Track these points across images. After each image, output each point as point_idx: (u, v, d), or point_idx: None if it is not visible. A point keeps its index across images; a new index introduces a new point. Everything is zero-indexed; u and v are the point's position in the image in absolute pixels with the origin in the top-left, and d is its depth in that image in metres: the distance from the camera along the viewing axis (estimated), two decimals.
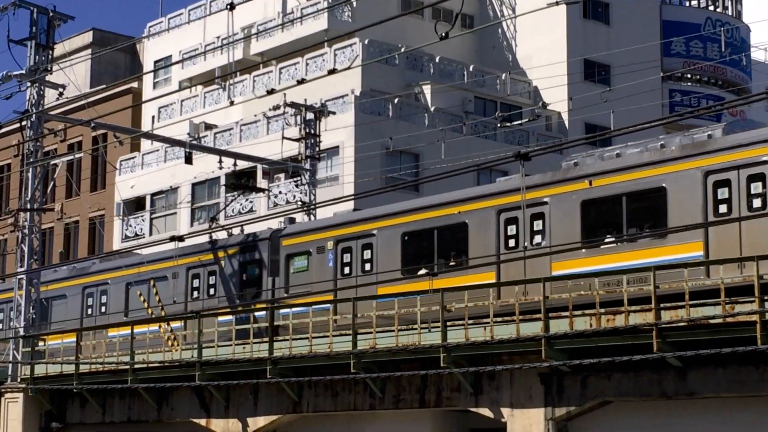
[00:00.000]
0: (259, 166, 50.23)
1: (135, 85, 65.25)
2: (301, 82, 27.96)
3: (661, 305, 24.82)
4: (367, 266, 33.42)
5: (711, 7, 64.93)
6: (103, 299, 42.00)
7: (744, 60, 63.54)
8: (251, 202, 53.50)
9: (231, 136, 55.94)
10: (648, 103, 51.16)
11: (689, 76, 62.48)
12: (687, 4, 65.32)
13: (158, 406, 37.20)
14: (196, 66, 62.96)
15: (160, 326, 37.93)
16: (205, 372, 34.07)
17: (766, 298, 23.31)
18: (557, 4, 15.01)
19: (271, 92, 30.61)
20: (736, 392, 25.17)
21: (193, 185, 56.07)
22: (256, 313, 35.08)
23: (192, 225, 55.61)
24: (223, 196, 54.48)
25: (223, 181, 54.01)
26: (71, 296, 43.07)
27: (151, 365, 35.89)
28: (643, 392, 26.37)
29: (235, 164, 44.85)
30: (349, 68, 32.75)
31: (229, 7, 25.02)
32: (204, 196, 56.17)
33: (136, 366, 36.02)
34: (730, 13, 64.97)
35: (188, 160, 42.75)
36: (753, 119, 63.47)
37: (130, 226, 59.64)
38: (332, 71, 22.63)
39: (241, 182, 47.62)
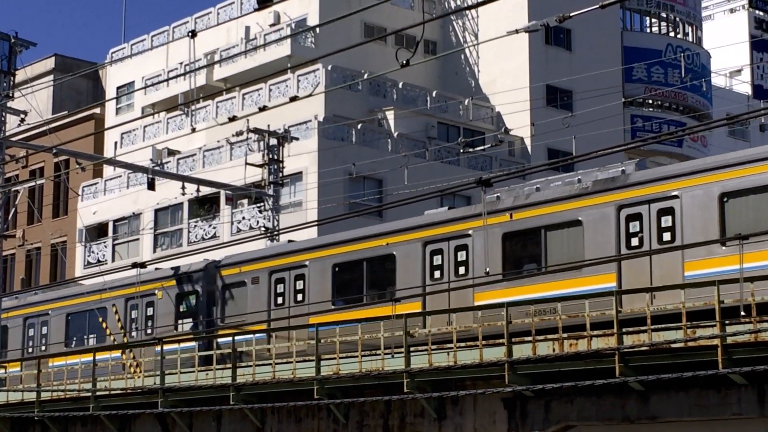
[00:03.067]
0: (222, 192, 50.16)
1: (97, 111, 65.07)
2: (263, 109, 27.92)
3: (624, 330, 24.95)
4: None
5: (672, 34, 65.41)
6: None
7: (704, 86, 64.03)
8: (214, 228, 53.39)
9: (194, 162, 55.83)
10: (610, 129, 51.51)
11: (650, 101, 62.89)
12: (648, 30, 65.77)
13: None
14: (158, 92, 62.86)
15: (123, 353, 37.76)
16: (168, 399, 33.89)
17: (727, 322, 23.45)
18: (517, 32, 15.09)
19: (233, 119, 30.61)
20: (697, 416, 25.26)
21: (156, 211, 55.90)
22: (220, 340, 34.97)
23: (155, 251, 55.41)
24: (186, 222, 54.35)
25: (186, 206, 53.90)
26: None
27: (113, 392, 35.67)
28: (606, 416, 26.43)
29: (198, 190, 44.78)
30: (311, 95, 32.79)
31: (190, 34, 25.01)
32: (167, 222, 56.00)
33: (97, 393, 35.80)
34: (690, 40, 65.50)
35: (151, 186, 42.64)
36: (714, 144, 64.14)
37: (93, 252, 59.35)
38: (294, 98, 22.69)
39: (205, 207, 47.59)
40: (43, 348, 41.55)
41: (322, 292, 32.92)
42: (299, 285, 33.60)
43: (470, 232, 29.96)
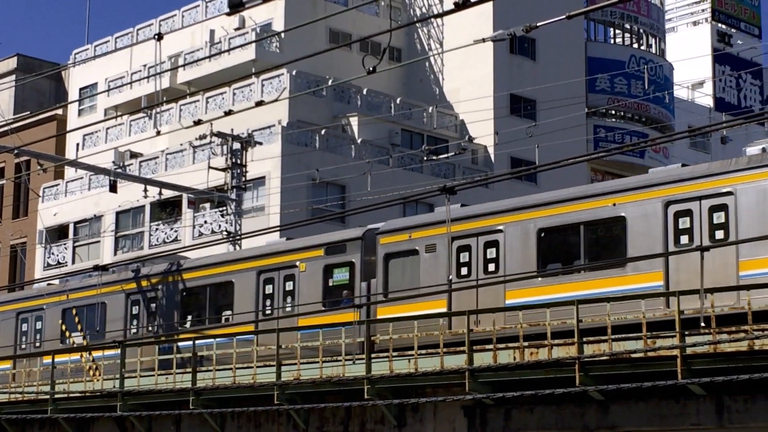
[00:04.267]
0: (185, 196, 50.00)
1: (60, 112, 64.72)
2: (228, 113, 27.86)
3: (584, 339, 25.07)
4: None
5: (635, 45, 65.79)
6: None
7: (667, 97, 64.42)
8: (176, 231, 53.21)
9: (156, 165, 55.64)
10: (573, 139, 51.72)
11: (613, 112, 63.23)
12: (612, 41, 66.13)
13: None
14: (121, 94, 62.62)
15: (81, 356, 37.54)
16: (127, 402, 33.73)
17: (686, 333, 23.61)
18: (484, 41, 15.12)
19: (198, 123, 30.46)
20: (656, 426, 25.40)
21: (118, 213, 55.65)
22: (181, 344, 34.84)
23: (116, 254, 55.16)
24: (148, 225, 54.16)
25: (148, 209, 53.71)
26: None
27: (71, 395, 35.48)
28: (566, 425, 26.52)
29: (160, 193, 44.62)
30: (277, 100, 32.71)
31: (156, 37, 24.94)
32: (128, 224, 55.76)
33: (56, 396, 35.58)
34: (653, 51, 65.88)
35: (113, 188, 42.47)
36: (675, 156, 64.53)
37: (53, 254, 59.02)
38: (260, 103, 22.59)
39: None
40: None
41: (523, 261, 29.02)
42: (490, 253, 29.74)
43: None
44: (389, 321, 28.95)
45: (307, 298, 32.26)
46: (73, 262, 57.37)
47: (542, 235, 28.41)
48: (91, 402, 35.13)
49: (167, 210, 53.83)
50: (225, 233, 45.15)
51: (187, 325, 35.55)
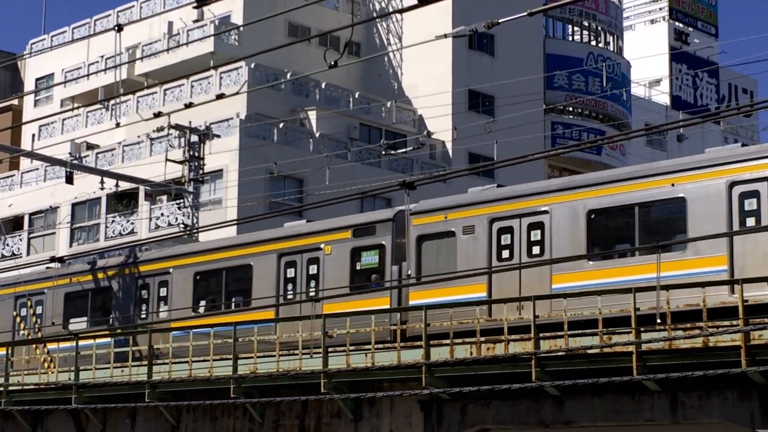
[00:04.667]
0: (142, 188, 49.76)
1: (15, 102, 64.25)
2: (189, 106, 27.76)
3: (541, 334, 25.17)
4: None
5: (593, 43, 66.07)
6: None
7: (624, 95, 64.75)
8: (132, 223, 52.97)
9: (113, 157, 55.36)
10: (530, 135, 51.87)
11: (571, 109, 63.48)
12: (570, 38, 66.37)
13: (33, 428, 36.53)
14: (78, 85, 62.24)
15: (36, 348, 37.31)
16: (82, 395, 33.57)
17: (642, 329, 23.75)
18: (446, 36, 15.15)
19: (158, 115, 30.27)
20: (612, 421, 25.57)
21: (74, 205, 55.32)
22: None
23: (71, 245, 54.84)
24: (104, 217, 53.85)
25: (104, 201, 53.41)
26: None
27: (26, 387, 35.27)
28: (522, 420, 26.64)
29: (117, 185, 44.38)
30: (237, 93, 32.52)
31: (117, 28, 24.77)
32: (84, 216, 55.44)
33: (10, 388, 35.36)
34: (611, 49, 66.19)
35: (69, 179, 42.19)
36: (632, 153, 64.91)
37: (7, 245, 58.59)
38: (220, 96, 22.48)
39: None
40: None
41: (571, 243, 27.46)
42: (535, 235, 28.43)
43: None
44: (346, 315, 28.90)
45: (333, 283, 30.81)
46: (28, 253, 56.96)
47: (592, 216, 27.02)
48: (46, 394, 34.95)
49: (124, 202, 53.57)
50: (182, 226, 44.96)
51: (201, 310, 34.21)
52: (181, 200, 45.78)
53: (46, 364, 36.30)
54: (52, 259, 31.58)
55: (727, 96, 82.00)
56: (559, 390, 25.33)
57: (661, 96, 77.75)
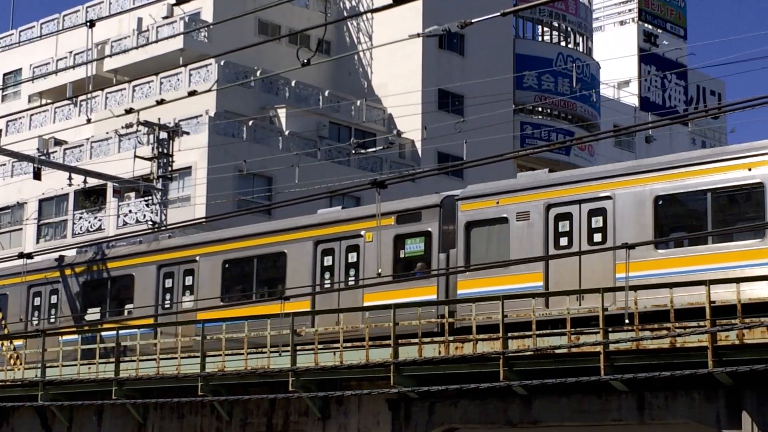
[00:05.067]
0: (110, 184, 49.59)
1: None
2: (160, 102, 27.61)
3: (509, 334, 25.21)
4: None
5: (563, 43, 66.26)
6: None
7: (594, 96, 64.98)
8: (100, 220, 52.76)
9: (81, 153, 55.15)
10: (500, 135, 51.98)
11: (540, 109, 63.65)
12: (540, 39, 66.55)
13: None
14: (46, 80, 61.95)
15: (2, 344, 37.11)
16: (48, 392, 33.41)
17: (610, 329, 23.83)
18: (419, 36, 15.17)
19: (129, 111, 30.11)
20: (578, 421, 25.64)
21: (41, 201, 55.05)
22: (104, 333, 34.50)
23: (38, 242, 54.57)
24: (72, 214, 53.62)
25: (72, 198, 53.18)
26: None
27: None
28: (489, 420, 26.68)
29: (85, 181, 44.19)
30: (209, 90, 32.40)
31: (88, 24, 24.68)
32: (51, 212, 55.19)
33: None
34: (581, 50, 66.40)
35: (36, 175, 41.97)
36: (600, 154, 65.14)
37: None
38: (193, 93, 22.39)
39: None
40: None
41: (636, 231, 26.01)
42: (596, 222, 26.83)
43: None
44: (313, 314, 28.88)
45: (374, 272, 29.25)
46: None
47: (660, 202, 25.71)
48: (12, 391, 34.76)
49: (91, 199, 53.35)
50: (150, 223, 44.82)
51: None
52: (150, 197, 45.64)
53: (12, 361, 36.11)
54: (20, 255, 31.38)
55: (696, 98, 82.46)
56: (527, 389, 25.39)
57: (630, 97, 78.11)
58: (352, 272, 30.21)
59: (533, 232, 27.19)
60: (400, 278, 28.60)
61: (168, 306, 33.86)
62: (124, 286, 35.68)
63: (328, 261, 30.68)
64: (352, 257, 30.27)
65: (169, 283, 34.11)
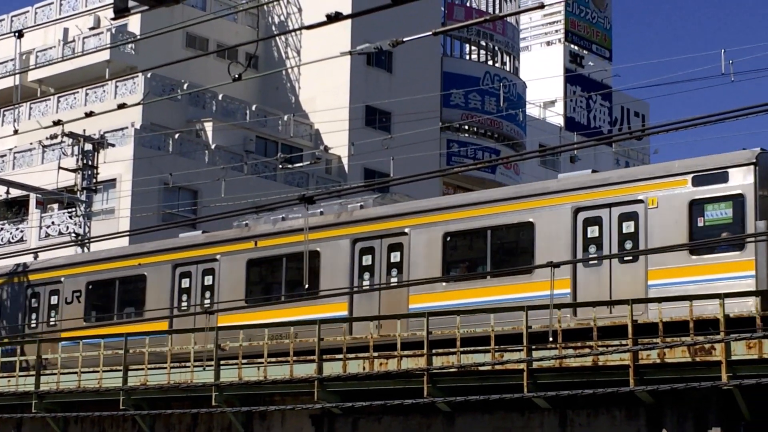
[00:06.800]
0: (33, 195, 49.08)
1: None
2: (89, 115, 27.37)
3: (433, 351, 25.29)
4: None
5: (490, 62, 66.67)
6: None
7: (520, 115, 65.44)
8: (22, 231, 52.19)
9: (4, 163, 54.55)
10: (426, 152, 52.17)
11: (467, 127, 63.96)
12: (467, 57, 66.92)
13: None
14: None
15: None
16: None
17: (533, 347, 24.00)
18: (351, 53, 15.22)
19: (58, 123, 29.78)
20: None
21: None
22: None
23: None
24: None
25: None
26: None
27: None
28: None
29: (7, 192, 43.75)
30: (139, 104, 32.10)
31: (17, 34, 24.49)
32: None
33: None
34: (508, 69, 66.85)
35: None
36: (526, 173, 65.59)
37: None
38: (122, 105, 22.21)
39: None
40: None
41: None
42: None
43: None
44: (241, 328, 28.75)
45: (661, 241, 24.76)
46: None
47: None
48: None
49: (13, 209, 52.77)
50: (73, 235, 44.43)
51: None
52: (73, 209, 45.25)
53: None
54: None
55: (620, 119, 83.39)
56: (450, 406, 25.49)
57: (556, 117, 78.78)
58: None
59: None
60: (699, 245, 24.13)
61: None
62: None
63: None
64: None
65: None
